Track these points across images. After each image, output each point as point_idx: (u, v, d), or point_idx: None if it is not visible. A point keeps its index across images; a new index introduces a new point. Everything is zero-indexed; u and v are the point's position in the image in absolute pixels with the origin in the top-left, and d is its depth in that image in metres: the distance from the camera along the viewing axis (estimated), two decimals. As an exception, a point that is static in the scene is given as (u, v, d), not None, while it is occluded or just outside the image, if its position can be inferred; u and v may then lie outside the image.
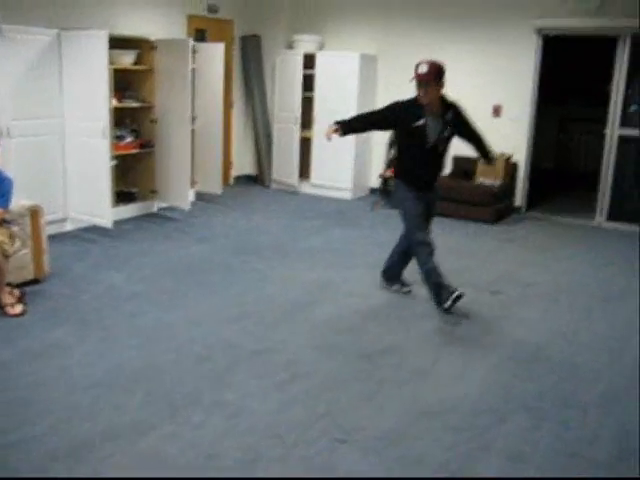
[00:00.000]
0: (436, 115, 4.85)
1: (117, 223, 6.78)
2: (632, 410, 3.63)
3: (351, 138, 8.58)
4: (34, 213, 5.13)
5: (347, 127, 4.96)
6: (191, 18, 8.44)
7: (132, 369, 3.86)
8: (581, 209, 8.54)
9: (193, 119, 7.63)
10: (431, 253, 4.94)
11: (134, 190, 7.52)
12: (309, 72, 8.87)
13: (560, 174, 11.24)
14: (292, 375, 3.87)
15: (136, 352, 4.09)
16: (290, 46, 9.25)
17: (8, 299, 4.60)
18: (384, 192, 8.18)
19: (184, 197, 7.39)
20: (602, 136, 8.02)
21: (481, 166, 8.06)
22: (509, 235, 7.42)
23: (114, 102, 6.80)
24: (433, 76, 4.74)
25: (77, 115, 6.41)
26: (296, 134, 9.02)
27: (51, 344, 4.14)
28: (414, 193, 4.97)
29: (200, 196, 8.34)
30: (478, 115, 8.23)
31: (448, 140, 4.99)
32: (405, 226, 5.08)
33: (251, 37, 9.36)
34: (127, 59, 6.97)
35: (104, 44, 6.13)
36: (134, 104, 7.18)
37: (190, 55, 7.06)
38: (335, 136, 4.90)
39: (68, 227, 6.73)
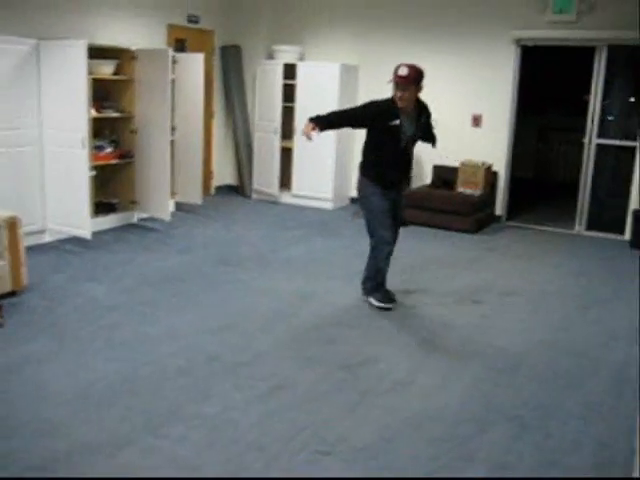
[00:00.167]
0: (410, 116, 4.93)
1: (96, 234, 6.72)
2: (612, 419, 3.65)
3: (332, 147, 8.64)
4: (11, 224, 5.06)
5: (325, 122, 4.92)
6: (171, 28, 8.42)
7: (110, 382, 3.81)
8: (561, 218, 8.61)
9: (173, 129, 7.60)
10: (389, 254, 5.10)
11: (114, 201, 7.46)
12: (290, 82, 8.88)
13: (539, 183, 11.35)
14: (273, 387, 3.84)
15: (115, 365, 4.04)
16: (271, 56, 9.26)
17: (-15, 312, 4.54)
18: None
19: (164, 208, 7.34)
20: (581, 145, 8.10)
21: (461, 175, 8.12)
22: (490, 244, 7.45)
23: (93, 112, 6.75)
24: (413, 79, 4.79)
25: (56, 125, 6.35)
26: (277, 144, 9.01)
27: (28, 357, 4.08)
28: (380, 190, 5.03)
29: (180, 206, 8.29)
30: (458, 125, 8.43)
31: (416, 141, 5.13)
32: (369, 222, 5.12)
33: (231, 47, 9.36)
34: (107, 69, 6.92)
35: (83, 54, 6.09)
36: (114, 114, 7.14)
37: (170, 65, 7.04)
38: (315, 134, 4.86)
39: (47, 238, 6.66)
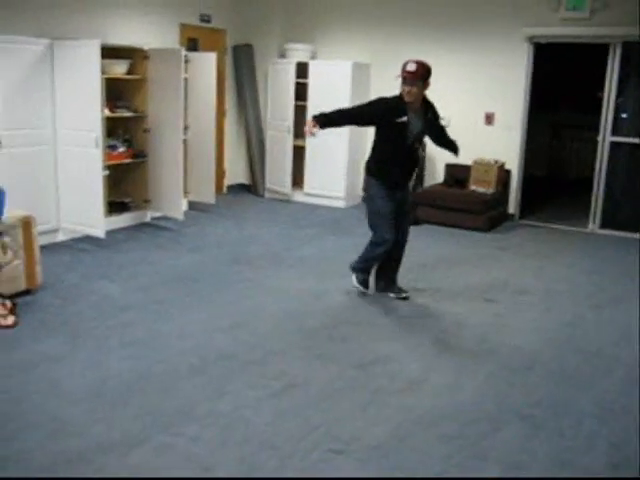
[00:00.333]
0: (417, 113, 4.96)
1: (110, 233, 6.75)
2: (626, 418, 3.62)
3: (344, 146, 8.63)
4: (26, 224, 5.10)
5: (325, 120, 4.96)
6: (184, 27, 8.44)
7: (124, 380, 3.83)
8: (574, 216, 8.55)
9: (186, 128, 7.62)
10: (385, 253, 5.18)
11: (127, 200, 7.49)
12: (302, 81, 8.88)
13: (553, 181, 11.27)
14: (286, 385, 3.85)
15: (128, 363, 4.06)
16: (282, 55, 9.26)
17: (0, 310, 4.57)
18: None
19: (177, 207, 7.37)
20: (594, 143, 8.04)
21: (474, 173, 8.09)
22: (502, 243, 7.42)
23: (107, 112, 6.79)
24: (420, 75, 4.82)
25: (69, 125, 6.39)
26: (289, 143, 9.02)
27: (42, 356, 4.11)
28: (386, 191, 5.07)
29: (193, 205, 8.32)
30: (471, 123, 8.40)
31: (422, 139, 5.20)
32: (372, 221, 5.17)
33: (243, 46, 9.37)
34: (120, 69, 6.95)
35: (96, 54, 6.12)
36: (127, 114, 7.16)
37: (183, 64, 7.07)
38: (316, 130, 4.91)
39: (60, 237, 6.70)
